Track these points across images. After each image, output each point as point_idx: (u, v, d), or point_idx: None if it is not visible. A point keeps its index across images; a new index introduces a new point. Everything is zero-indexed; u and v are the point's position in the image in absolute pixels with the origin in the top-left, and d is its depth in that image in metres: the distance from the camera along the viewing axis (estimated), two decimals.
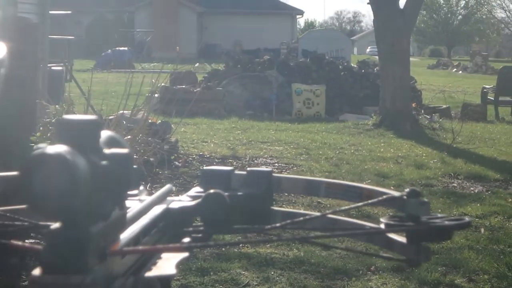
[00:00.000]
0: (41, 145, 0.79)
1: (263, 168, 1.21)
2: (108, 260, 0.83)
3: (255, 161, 9.91)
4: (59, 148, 0.76)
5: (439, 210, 7.07)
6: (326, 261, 5.55)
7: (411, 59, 16.13)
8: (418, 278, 5.24)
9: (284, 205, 6.80)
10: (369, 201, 1.10)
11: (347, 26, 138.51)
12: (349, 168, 9.53)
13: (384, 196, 1.07)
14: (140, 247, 0.92)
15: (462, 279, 5.33)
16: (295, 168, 9.48)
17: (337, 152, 10.92)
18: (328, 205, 7.05)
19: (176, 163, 9.09)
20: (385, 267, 5.42)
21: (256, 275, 5.24)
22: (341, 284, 5.15)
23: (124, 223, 0.92)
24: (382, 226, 1.00)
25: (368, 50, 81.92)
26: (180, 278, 5.05)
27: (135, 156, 7.73)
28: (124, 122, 8.13)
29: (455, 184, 8.89)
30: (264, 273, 5.28)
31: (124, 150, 0.85)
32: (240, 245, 5.85)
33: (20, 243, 0.89)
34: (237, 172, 1.22)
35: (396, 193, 1.06)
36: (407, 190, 1.03)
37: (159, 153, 8.42)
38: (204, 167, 1.22)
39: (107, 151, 0.83)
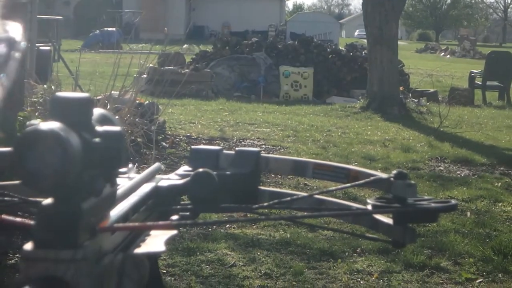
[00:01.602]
0: (34, 121, 0.79)
1: (252, 148, 1.22)
2: (98, 236, 0.84)
3: (243, 142, 9.92)
4: (52, 125, 0.77)
5: (426, 194, 7.09)
6: (312, 243, 5.57)
7: (399, 42, 16.12)
8: (404, 261, 5.27)
9: (271, 186, 6.81)
10: (357, 183, 1.11)
11: (335, 9, 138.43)
12: (336, 150, 9.55)
13: (372, 178, 1.08)
14: (130, 224, 0.93)
15: (448, 262, 5.37)
16: (282, 150, 9.50)
17: (325, 134, 10.94)
18: (315, 187, 7.07)
19: (164, 143, 9.09)
20: (371, 249, 5.45)
21: (243, 255, 5.27)
22: (327, 266, 5.18)
23: (114, 200, 0.92)
24: (369, 207, 1.00)
25: (356, 33, 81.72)
26: (166, 258, 5.06)
27: None
28: (112, 103, 8.11)
29: (441, 168, 8.92)
30: (250, 253, 5.30)
31: (116, 128, 0.86)
32: (228, 225, 5.87)
33: (11, 218, 0.90)
34: (225, 151, 1.23)
35: (383, 175, 1.07)
36: (394, 172, 1.04)
37: (147, 133, 8.41)
38: (193, 146, 1.23)
39: (99, 128, 0.84)
